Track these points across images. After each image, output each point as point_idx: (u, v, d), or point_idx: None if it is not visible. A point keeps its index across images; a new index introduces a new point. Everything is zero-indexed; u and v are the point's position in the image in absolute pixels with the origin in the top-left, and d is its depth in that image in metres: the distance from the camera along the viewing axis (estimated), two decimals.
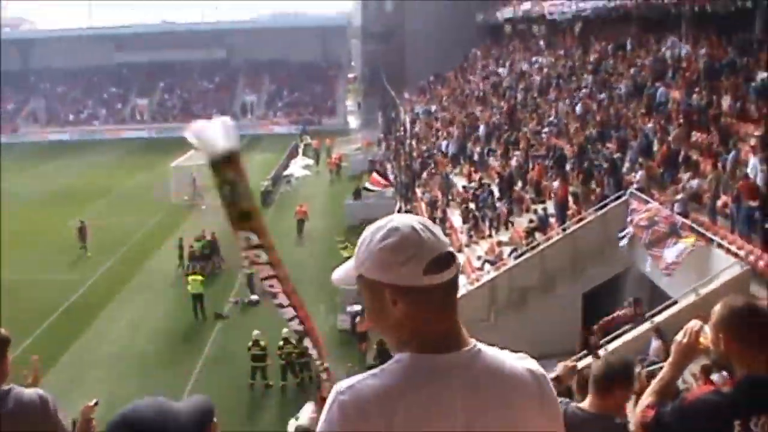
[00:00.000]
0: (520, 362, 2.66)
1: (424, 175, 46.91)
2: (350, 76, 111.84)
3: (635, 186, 27.96)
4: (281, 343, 29.31)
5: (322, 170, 67.12)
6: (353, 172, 67.18)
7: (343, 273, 2.73)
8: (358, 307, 32.48)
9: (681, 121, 30.67)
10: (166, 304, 37.87)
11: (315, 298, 37.62)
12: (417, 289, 2.50)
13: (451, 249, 2.59)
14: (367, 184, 49.26)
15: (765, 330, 3.49)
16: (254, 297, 37.37)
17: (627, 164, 30.98)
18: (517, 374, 2.60)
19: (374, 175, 44.26)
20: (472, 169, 43.40)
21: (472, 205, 36.94)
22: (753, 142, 25.22)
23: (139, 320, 35.86)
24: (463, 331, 2.61)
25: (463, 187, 40.22)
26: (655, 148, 30.57)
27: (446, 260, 2.54)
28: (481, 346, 2.63)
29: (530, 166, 37.76)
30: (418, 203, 42.84)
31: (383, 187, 44.72)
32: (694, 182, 26.68)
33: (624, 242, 26.41)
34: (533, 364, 2.69)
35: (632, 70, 40.38)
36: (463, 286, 28.47)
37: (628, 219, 26.45)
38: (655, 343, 21.12)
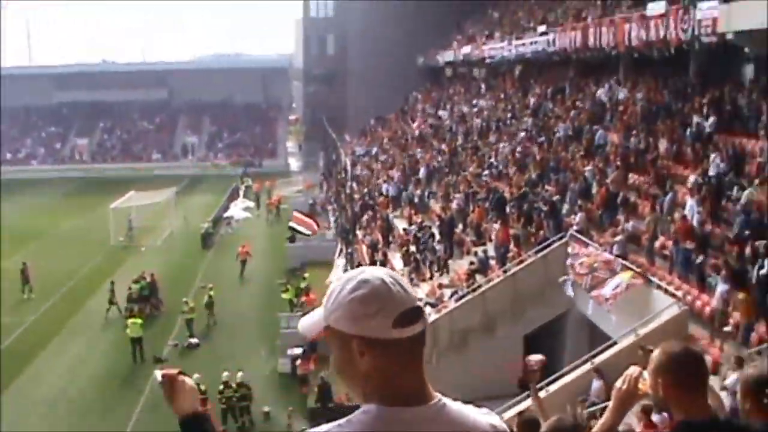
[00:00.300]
0: (484, 417, 2.67)
1: (365, 217, 46.96)
2: (291, 117, 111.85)
3: (575, 228, 28.22)
4: (221, 387, 29.06)
5: (262, 212, 66.93)
6: None
7: (309, 322, 2.70)
8: (298, 351, 32.30)
9: (619, 163, 31.14)
10: (104, 347, 37.32)
11: (255, 341, 37.51)
12: (385, 342, 2.50)
13: (419, 303, 2.61)
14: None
15: (701, 374, 3.56)
16: (194, 340, 37.00)
17: (566, 206, 31.30)
18: (480, 429, 2.63)
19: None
20: (413, 211, 43.56)
21: (412, 248, 37.01)
22: (689, 184, 25.73)
23: (78, 363, 35.28)
24: (428, 385, 2.61)
25: (404, 229, 40.31)
26: (594, 190, 30.98)
27: (415, 314, 2.54)
28: (445, 400, 2.63)
29: (471, 208, 37.95)
30: (359, 245, 42.84)
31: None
32: (632, 224, 27.12)
33: (569, 290, 26.62)
34: (496, 420, 2.70)
35: (571, 113, 40.98)
36: None
37: (568, 263, 26.69)
38: (596, 384, 21.28)
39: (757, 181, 23.28)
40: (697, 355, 3.63)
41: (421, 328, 2.56)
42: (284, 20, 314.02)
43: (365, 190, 53.45)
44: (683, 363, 3.52)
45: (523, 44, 50.69)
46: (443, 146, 52.91)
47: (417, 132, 61.76)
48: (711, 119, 28.92)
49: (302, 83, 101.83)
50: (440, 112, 64.79)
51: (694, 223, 23.50)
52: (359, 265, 39.53)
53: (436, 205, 42.48)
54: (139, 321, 36.14)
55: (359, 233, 44.88)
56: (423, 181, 47.77)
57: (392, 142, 66.67)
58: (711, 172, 25.84)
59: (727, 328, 19.99)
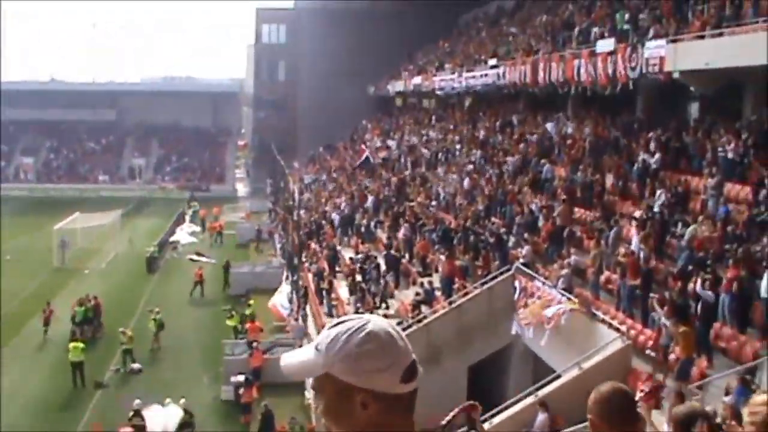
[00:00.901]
0: None
1: (312, 245, 46.81)
2: (240, 143, 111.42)
3: (521, 261, 28.29)
4: None
5: (206, 237, 66.45)
6: (240, 240, 66.64)
7: (298, 365, 2.56)
8: (241, 378, 31.97)
9: (565, 197, 31.37)
10: (45, 371, 36.57)
11: (199, 367, 37.06)
12: (391, 396, 2.47)
13: (414, 357, 2.57)
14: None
15: (631, 412, 3.82)
16: (136, 366, 36.47)
17: (513, 239, 31.44)
18: None
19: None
20: (360, 240, 43.53)
21: (358, 277, 36.98)
22: (636, 220, 26.02)
23: (17, 387, 34.46)
24: None
25: (350, 258, 40.30)
26: (541, 223, 31.17)
27: (415, 367, 2.52)
28: None
29: (417, 239, 38.05)
30: (305, 274, 42.66)
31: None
32: (577, 258, 27.32)
33: (515, 328, 26.67)
34: None
35: (519, 147, 41.26)
36: None
37: (515, 298, 26.77)
38: (541, 417, 21.28)
39: (701, 218, 23.65)
40: (628, 394, 3.88)
41: (418, 381, 2.54)
42: (236, 45, 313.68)
43: (312, 218, 53.33)
44: (614, 402, 3.79)
45: (474, 77, 51.09)
46: (391, 176, 53.06)
47: (359, 162, 61.78)
48: (657, 156, 29.21)
49: (252, 109, 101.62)
50: (389, 142, 64.94)
51: (639, 258, 23.66)
52: (305, 292, 39.55)
53: (382, 235, 42.54)
54: (81, 345, 35.42)
55: (305, 261, 44.70)
56: (370, 211, 47.74)
57: (341, 171, 66.68)
58: (656, 208, 26.17)
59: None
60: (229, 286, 50.04)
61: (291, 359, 2.54)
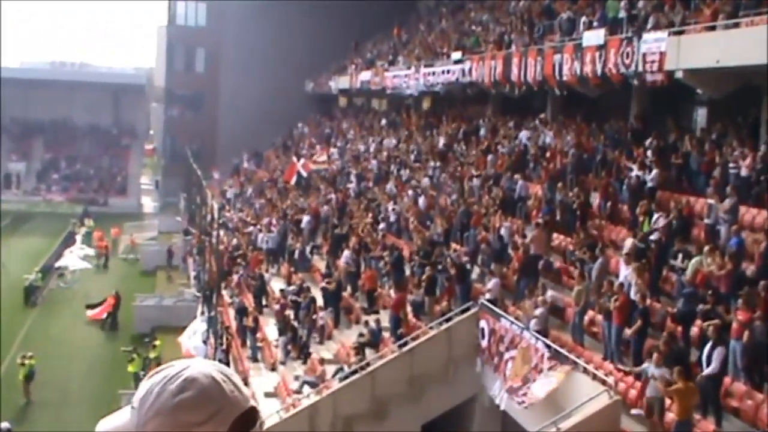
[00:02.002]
0: None
1: (234, 274, 46.52)
2: (148, 147, 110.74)
3: (487, 297, 28.31)
4: None
5: (111, 266, 65.88)
6: (146, 266, 66.03)
7: (112, 428, 2.54)
8: None
9: (541, 221, 31.36)
10: None
11: (86, 423, 36.51)
12: None
13: (254, 403, 2.50)
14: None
15: None
16: (4, 425, 35.95)
17: (477, 271, 31.47)
18: None
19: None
20: (292, 269, 43.38)
21: (290, 314, 36.84)
22: (626, 249, 26.06)
23: None
24: None
25: (281, 291, 40.15)
26: (511, 252, 31.18)
27: (252, 418, 2.45)
28: None
29: (362, 268, 37.98)
30: (225, 309, 42.39)
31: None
32: (554, 294, 27.41)
33: (478, 366, 26.64)
34: None
35: (488, 159, 41.28)
36: (277, 412, 28.07)
37: (480, 342, 26.75)
38: None
39: (706, 249, 23.49)
40: None
41: None
42: (144, 27, 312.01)
43: (235, 241, 53.01)
44: None
45: (433, 73, 51.29)
46: (331, 192, 53.03)
47: (295, 176, 61.68)
48: (654, 172, 29.32)
49: (163, 105, 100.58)
50: (330, 150, 64.84)
51: (631, 296, 23.67)
52: (224, 331, 39.24)
53: (320, 263, 42.25)
54: None
55: (225, 294, 44.41)
56: (305, 234, 47.74)
57: (270, 184, 66.45)
58: (652, 236, 26.22)
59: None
60: (117, 325, 49.61)
61: (107, 425, 2.49)
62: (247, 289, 43.26)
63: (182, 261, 64.92)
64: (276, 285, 42.43)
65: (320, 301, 36.66)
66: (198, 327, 41.19)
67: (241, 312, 39.40)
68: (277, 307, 38.45)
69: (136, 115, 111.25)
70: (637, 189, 29.37)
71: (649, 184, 29.20)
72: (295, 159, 64.08)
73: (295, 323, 35.65)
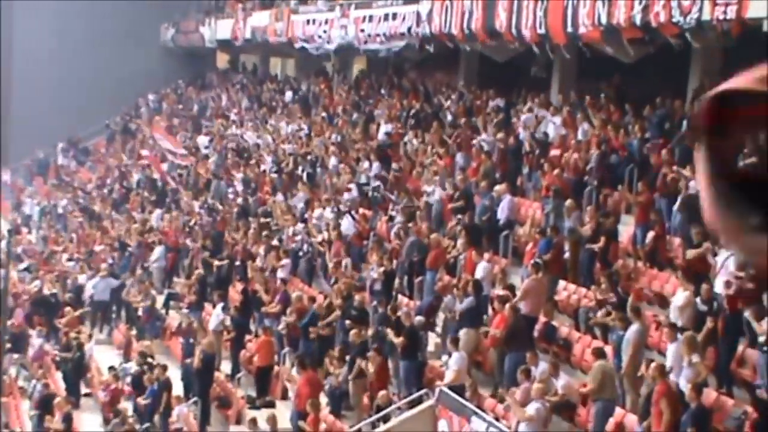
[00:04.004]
0: None
1: (35, 337, 45.82)
2: None
3: (448, 381, 28.45)
4: None
5: None
6: None
7: None
8: None
9: (540, 261, 31.04)
10: None
11: None
12: None
13: None
14: None
15: None
16: None
17: (436, 339, 31.90)
18: None
19: None
20: (133, 333, 43.86)
21: (126, 407, 37.04)
22: (677, 310, 26.06)
23: None
24: None
25: (112, 369, 39.92)
26: (491, 309, 31.10)
27: None
28: None
29: (254, 332, 38.55)
30: (13, 399, 42.15)
31: None
32: (558, 380, 27.02)
33: None
34: None
35: (454, 159, 41.51)
36: None
37: None
38: None
39: None
40: None
41: None
42: None
43: (38, 284, 52.01)
44: None
45: (370, 19, 51.13)
46: (202, 207, 52.70)
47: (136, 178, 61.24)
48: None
49: None
50: (198, 139, 64.63)
51: (681, 386, 23.65)
52: None
53: (182, 320, 41.85)
54: None
55: (15, 372, 43.63)
56: (156, 274, 47.37)
57: (98, 192, 65.98)
58: (717, 288, 25.98)
59: None
60: None
61: None
62: (55, 366, 42.42)
63: None
64: (104, 359, 42.03)
65: (178, 387, 36.49)
66: None
67: (44, 405, 38.73)
68: (104, 396, 37.89)
69: None
70: (698, 211, 28.81)
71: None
72: (142, 152, 63.52)
73: (136, 424, 35.14)
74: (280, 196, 49.65)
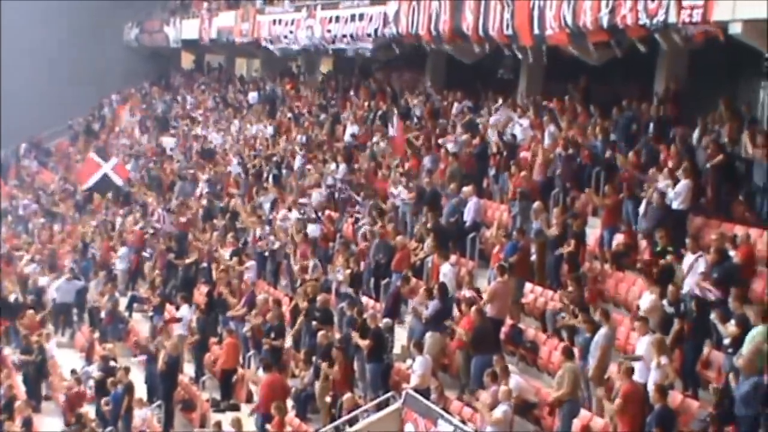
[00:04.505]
0: None
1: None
2: None
3: (414, 384, 28.52)
4: None
5: None
6: None
7: None
8: None
9: (506, 264, 31.21)
10: None
11: None
12: None
13: None
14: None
15: None
16: None
17: (401, 341, 31.52)
18: None
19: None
20: (96, 335, 43.52)
21: (87, 411, 36.84)
22: (644, 310, 26.10)
23: None
24: None
25: (74, 372, 39.73)
26: (457, 311, 30.99)
27: None
28: None
29: (218, 340, 38.07)
30: None
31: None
32: (518, 381, 27.07)
33: None
34: None
35: (422, 162, 41.48)
36: None
37: None
38: None
39: None
40: None
41: None
42: None
43: None
44: None
45: (337, 20, 51.24)
46: (164, 210, 52.54)
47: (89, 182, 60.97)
48: (682, 185, 29.25)
49: None
50: (163, 140, 64.53)
51: (649, 387, 23.55)
52: None
53: (143, 326, 42.31)
54: None
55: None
56: (120, 278, 47.91)
57: (64, 194, 65.82)
58: (685, 289, 26.16)
59: None
60: None
61: None
62: (15, 369, 42.50)
63: None
64: (66, 362, 42.07)
65: (141, 390, 36.49)
66: None
67: (6, 408, 38.64)
68: (66, 400, 37.88)
69: None
70: (665, 214, 29.19)
71: (677, 206, 29.20)
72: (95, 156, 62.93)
73: (98, 428, 35.40)
74: (240, 199, 49.75)
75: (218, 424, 32.70)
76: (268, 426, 30.65)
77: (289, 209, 44.69)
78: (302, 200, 44.71)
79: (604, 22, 31.86)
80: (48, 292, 48.39)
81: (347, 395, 30.21)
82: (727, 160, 28.88)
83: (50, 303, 47.65)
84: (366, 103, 52.24)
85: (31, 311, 46.27)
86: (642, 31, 30.97)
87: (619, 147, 33.98)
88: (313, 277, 37.40)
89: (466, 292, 31.40)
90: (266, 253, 42.46)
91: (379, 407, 28.52)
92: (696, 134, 31.21)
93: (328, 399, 31.04)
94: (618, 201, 31.52)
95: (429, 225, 36.27)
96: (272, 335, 34.34)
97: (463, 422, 26.31)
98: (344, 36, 50.29)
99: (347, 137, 48.72)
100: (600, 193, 32.70)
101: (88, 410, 36.52)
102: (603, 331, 26.29)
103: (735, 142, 29.42)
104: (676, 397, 23.88)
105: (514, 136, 38.99)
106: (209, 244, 45.80)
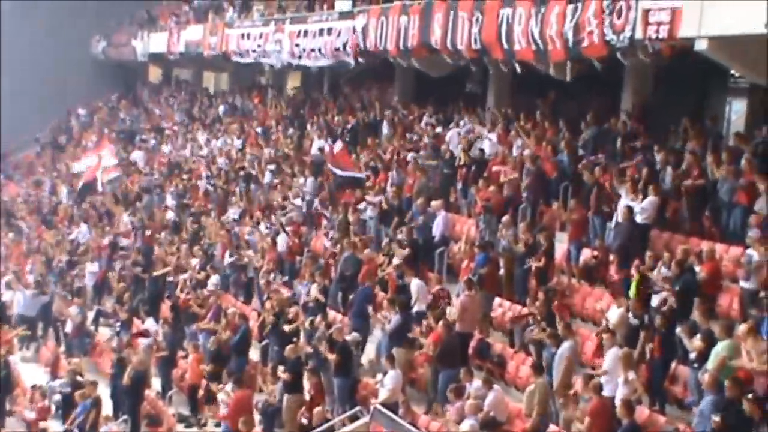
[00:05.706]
0: None
1: None
2: None
3: (382, 399, 28.43)
4: None
5: None
6: None
7: None
8: None
9: (474, 278, 31.36)
10: None
11: None
12: None
13: None
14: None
15: None
16: None
17: (369, 355, 31.82)
18: None
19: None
20: (62, 350, 43.55)
21: (49, 426, 36.89)
22: (612, 324, 26.26)
23: None
24: None
25: (36, 387, 39.45)
26: (424, 325, 30.95)
27: None
28: None
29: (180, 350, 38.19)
30: None
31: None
32: (481, 390, 27.10)
33: None
34: None
35: (390, 173, 41.52)
36: None
37: None
38: None
39: (742, 328, 22.99)
40: None
41: None
42: None
43: None
44: None
45: (305, 34, 51.14)
46: (130, 220, 52.50)
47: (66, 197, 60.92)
48: (648, 201, 29.59)
49: None
50: (133, 154, 64.47)
51: (616, 402, 23.65)
52: None
53: (110, 341, 41.83)
54: None
55: None
56: (88, 292, 47.65)
57: (29, 207, 65.71)
58: (654, 302, 26.50)
59: None
60: None
61: None
62: None
63: None
64: (31, 377, 41.96)
65: (108, 407, 36.34)
66: None
67: None
68: (31, 414, 37.93)
69: None
70: (630, 228, 29.43)
71: (640, 220, 29.50)
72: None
73: None
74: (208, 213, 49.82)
75: None
76: None
77: (258, 223, 44.73)
78: (280, 212, 44.57)
79: (570, 38, 31.77)
80: (12, 305, 47.99)
81: (317, 409, 30.13)
82: (704, 184, 29.03)
83: (14, 317, 47.21)
84: (334, 118, 52.20)
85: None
86: (607, 48, 30.90)
87: (586, 161, 34.15)
88: (279, 291, 37.42)
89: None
90: (233, 267, 42.41)
91: (350, 419, 28.44)
92: (659, 157, 31.34)
93: (296, 414, 30.77)
94: (584, 216, 31.61)
95: (399, 238, 36.32)
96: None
97: None
98: (312, 50, 50.18)
99: (314, 151, 48.66)
100: (567, 207, 32.87)
101: (51, 425, 36.58)
102: (566, 344, 26.54)
103: (699, 160, 29.53)
104: (642, 413, 23.96)
105: (482, 150, 39.02)
106: (177, 257, 45.65)
